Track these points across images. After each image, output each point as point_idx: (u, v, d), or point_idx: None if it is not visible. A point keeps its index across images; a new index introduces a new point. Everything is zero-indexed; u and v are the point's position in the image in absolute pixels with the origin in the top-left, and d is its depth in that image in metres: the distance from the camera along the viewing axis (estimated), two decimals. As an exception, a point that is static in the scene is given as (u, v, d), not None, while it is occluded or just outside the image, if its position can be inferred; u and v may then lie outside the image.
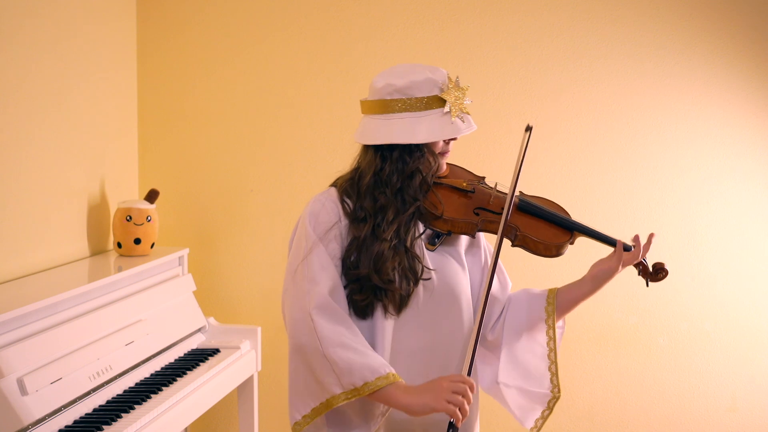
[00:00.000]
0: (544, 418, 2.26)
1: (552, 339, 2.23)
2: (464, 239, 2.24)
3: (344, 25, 3.80)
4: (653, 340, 3.78)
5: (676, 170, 3.74)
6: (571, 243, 2.23)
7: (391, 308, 2.09)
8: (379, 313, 2.09)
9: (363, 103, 2.18)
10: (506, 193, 2.22)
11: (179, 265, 3.63)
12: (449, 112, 2.10)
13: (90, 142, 3.50)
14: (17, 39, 3.05)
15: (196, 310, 3.53)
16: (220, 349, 3.40)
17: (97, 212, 3.55)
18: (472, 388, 1.99)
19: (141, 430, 2.65)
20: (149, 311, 3.21)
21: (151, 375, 3.05)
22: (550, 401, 2.25)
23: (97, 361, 2.82)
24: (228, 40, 3.87)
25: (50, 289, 2.85)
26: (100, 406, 2.74)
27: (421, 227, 2.16)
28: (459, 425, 1.98)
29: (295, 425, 2.08)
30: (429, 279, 2.11)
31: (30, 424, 2.46)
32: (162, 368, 3.14)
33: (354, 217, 2.11)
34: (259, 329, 3.56)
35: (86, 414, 2.67)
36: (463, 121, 2.12)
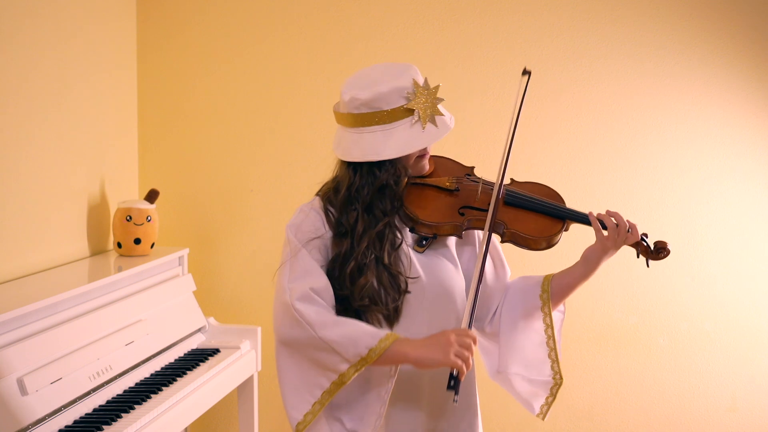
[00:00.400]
0: (548, 404, 2.25)
1: (549, 326, 2.21)
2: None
3: (344, 25, 3.80)
4: (653, 340, 3.78)
5: (676, 170, 3.74)
6: (566, 230, 2.20)
7: (377, 325, 2.07)
8: None
9: (335, 113, 2.15)
10: (493, 185, 2.18)
11: (179, 265, 3.63)
12: (418, 120, 2.07)
13: (90, 142, 3.50)
14: (17, 39, 3.05)
15: (196, 310, 3.53)
16: (220, 349, 3.40)
17: (97, 212, 3.55)
18: (475, 341, 1.99)
19: (141, 430, 2.65)
20: (149, 311, 3.21)
21: (151, 375, 3.05)
22: (552, 388, 2.24)
23: (97, 361, 2.82)
24: (228, 40, 3.87)
25: (50, 289, 2.85)
26: (100, 406, 2.74)
27: (403, 236, 2.13)
28: (462, 378, 1.97)
29: (298, 425, 2.05)
30: (410, 293, 2.09)
31: (30, 424, 2.46)
32: (162, 368, 3.14)
33: (337, 231, 2.09)
34: (259, 329, 3.56)
35: (86, 414, 2.67)
36: (436, 124, 2.08)
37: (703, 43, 3.69)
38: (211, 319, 3.60)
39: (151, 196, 3.58)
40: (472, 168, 2.27)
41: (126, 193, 3.81)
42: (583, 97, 3.74)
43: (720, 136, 3.72)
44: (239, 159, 3.89)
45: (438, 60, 3.73)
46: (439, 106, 2.09)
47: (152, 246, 3.56)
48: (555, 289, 2.22)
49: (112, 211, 3.63)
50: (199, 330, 3.52)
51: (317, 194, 2.18)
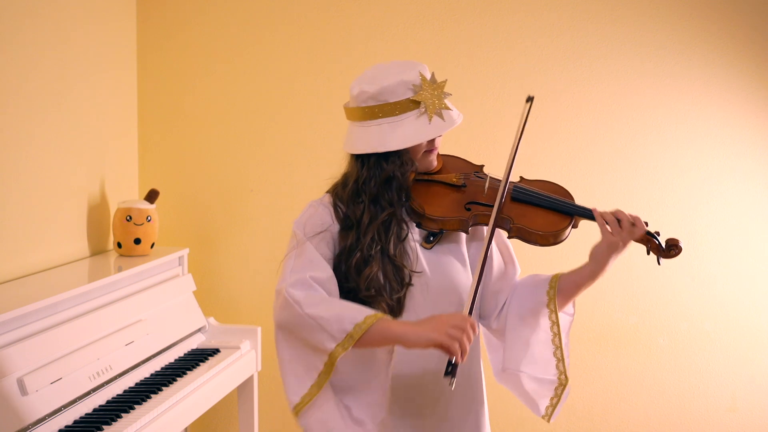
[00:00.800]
0: (553, 405, 2.23)
1: (555, 324, 2.20)
2: (464, 233, 2.22)
3: (344, 25, 3.80)
4: (653, 340, 3.78)
5: (676, 170, 3.74)
6: (574, 227, 2.19)
7: None
8: None
9: (345, 109, 2.18)
10: (501, 181, 2.18)
11: (179, 265, 3.63)
12: (425, 112, 2.08)
13: (90, 142, 3.50)
14: (17, 39, 3.05)
15: (196, 310, 3.53)
16: (220, 349, 3.40)
17: (97, 212, 3.55)
18: (473, 327, 1.96)
19: (141, 430, 2.65)
20: (149, 311, 3.21)
21: (151, 375, 3.05)
22: (557, 388, 2.22)
23: (97, 361, 2.82)
24: (228, 40, 3.87)
25: (50, 289, 2.85)
26: (100, 406, 2.75)
27: (409, 228, 2.14)
28: (459, 361, 1.93)
29: (296, 407, 2.03)
30: (413, 285, 2.09)
31: (30, 424, 2.46)
32: (162, 368, 3.14)
33: (344, 225, 2.10)
34: (259, 329, 3.56)
35: (86, 414, 2.67)
36: (443, 118, 2.09)
37: (703, 43, 3.69)
38: (211, 319, 3.60)
39: (151, 196, 3.59)
40: (482, 166, 2.28)
41: (126, 193, 3.81)
42: (583, 97, 3.74)
43: (720, 136, 3.72)
44: (239, 159, 3.89)
45: (438, 60, 3.73)
46: (447, 101, 2.11)
47: (152, 246, 3.56)
48: (563, 287, 2.21)
49: (112, 211, 3.63)
50: (199, 330, 3.52)
51: (327, 191, 2.19)
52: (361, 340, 1.95)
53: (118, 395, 2.84)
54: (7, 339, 2.55)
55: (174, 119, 3.92)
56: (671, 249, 2.17)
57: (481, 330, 2.31)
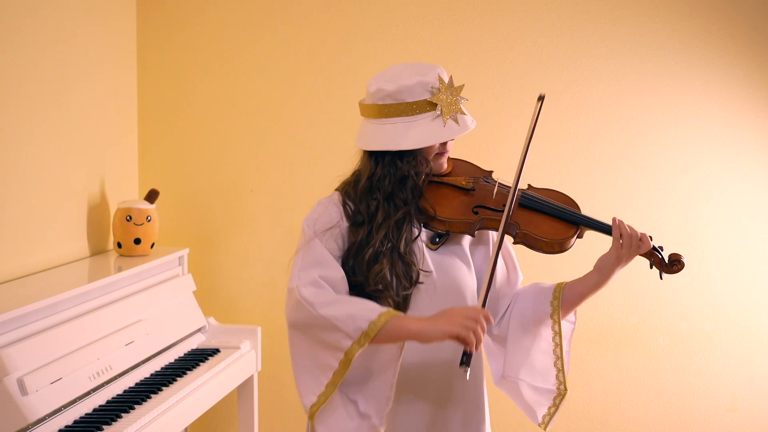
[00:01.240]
0: (550, 414, 2.24)
1: (558, 334, 2.21)
2: (469, 236, 2.23)
3: (344, 25, 3.80)
4: (653, 340, 3.78)
5: (676, 170, 3.74)
6: (579, 237, 2.20)
7: None
8: None
9: (360, 106, 2.19)
10: (509, 187, 2.20)
11: (179, 265, 3.63)
12: (441, 115, 2.10)
13: (90, 142, 3.50)
14: (17, 39, 3.05)
15: (196, 310, 3.53)
16: (220, 349, 3.40)
17: (97, 212, 3.55)
18: (487, 318, 1.97)
19: (141, 430, 2.65)
20: (149, 311, 3.21)
21: (151, 375, 3.05)
22: (555, 398, 2.23)
23: (97, 361, 2.82)
24: (228, 39, 3.87)
25: (50, 289, 2.85)
26: (100, 406, 2.75)
27: (420, 228, 2.15)
28: (475, 350, 1.95)
29: (312, 407, 2.03)
30: (423, 283, 2.10)
31: (30, 424, 2.46)
32: (162, 368, 3.14)
33: (353, 221, 2.11)
34: (259, 329, 3.56)
35: (86, 414, 2.67)
36: (458, 122, 2.11)
37: (703, 43, 3.69)
38: (211, 319, 3.60)
39: (151, 196, 3.59)
40: (491, 172, 2.29)
41: (126, 193, 3.81)
42: (583, 97, 3.74)
43: (720, 136, 3.72)
44: (239, 159, 3.89)
45: (438, 60, 3.73)
46: (462, 106, 2.12)
47: (152, 246, 3.56)
48: (566, 297, 2.22)
49: (112, 211, 3.63)
50: (199, 330, 3.52)
51: (336, 189, 2.19)
52: (377, 337, 1.96)
53: (118, 395, 2.84)
54: (7, 339, 2.55)
55: (174, 119, 3.92)
56: (674, 264, 2.20)
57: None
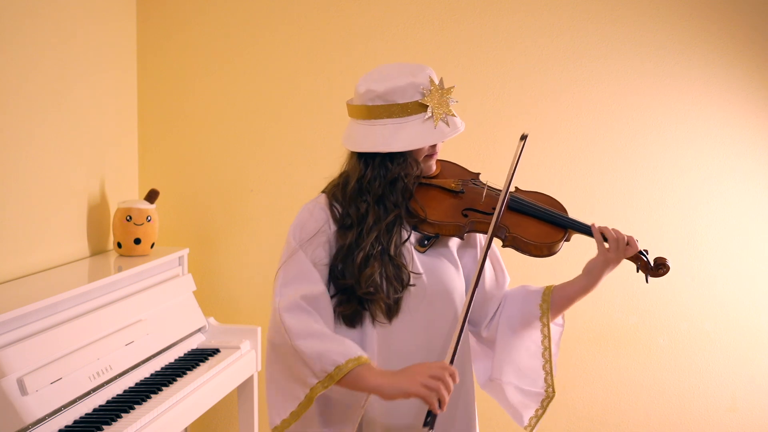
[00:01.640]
0: (537, 417, 2.24)
1: (547, 337, 2.21)
2: (457, 239, 2.22)
3: (344, 25, 3.80)
4: (653, 340, 3.78)
5: (676, 170, 3.74)
6: (567, 240, 2.20)
7: (380, 317, 2.07)
8: (367, 321, 2.08)
9: (348, 106, 2.16)
10: (499, 190, 2.19)
11: (179, 265, 3.63)
12: (431, 117, 2.08)
13: (90, 142, 3.50)
14: (17, 39, 3.05)
15: (196, 310, 3.53)
16: (220, 349, 3.40)
17: (97, 212, 3.55)
18: (453, 376, 1.94)
19: (141, 430, 2.65)
20: (149, 311, 3.21)
21: (151, 375, 3.05)
22: (543, 401, 2.23)
23: (97, 361, 2.82)
24: (228, 40, 3.87)
25: (50, 289, 2.85)
26: (100, 406, 2.75)
27: (409, 231, 2.14)
28: (437, 412, 1.92)
29: (274, 429, 2.05)
30: (414, 285, 2.09)
31: (30, 424, 2.46)
32: (162, 368, 3.14)
33: (341, 224, 2.10)
34: (259, 329, 3.56)
35: (86, 414, 2.67)
36: (448, 124, 2.09)
37: (703, 43, 3.69)
38: (211, 319, 3.60)
39: (151, 196, 3.59)
40: (478, 174, 2.28)
41: (126, 193, 3.81)
42: (583, 97, 3.74)
43: (720, 136, 3.72)
44: (239, 159, 3.89)
45: (438, 60, 3.73)
46: (452, 108, 2.11)
47: (152, 246, 3.56)
48: (555, 300, 2.22)
49: (112, 211, 3.63)
50: (199, 330, 3.52)
51: (323, 191, 2.18)
52: (341, 381, 1.95)
53: (118, 395, 2.84)
54: (7, 339, 2.55)
55: (174, 119, 3.92)
56: (659, 268, 2.20)
57: (470, 339, 2.30)
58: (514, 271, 2.40)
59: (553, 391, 2.22)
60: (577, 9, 3.72)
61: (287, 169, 3.87)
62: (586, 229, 2.20)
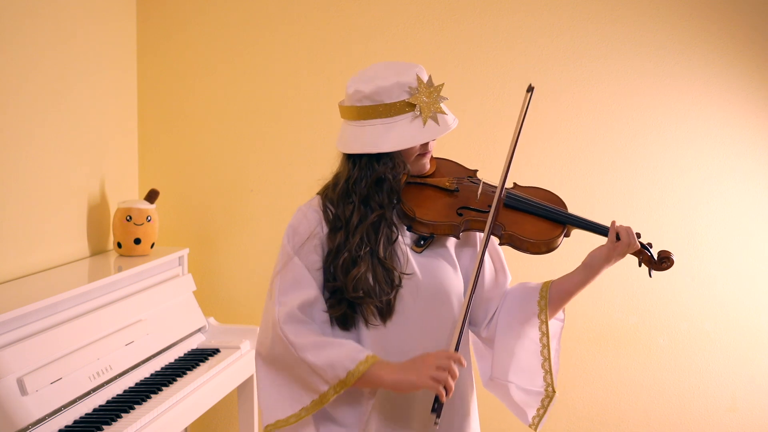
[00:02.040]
0: (539, 416, 2.23)
1: (545, 335, 2.19)
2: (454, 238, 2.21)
3: (344, 25, 3.80)
4: (653, 340, 3.78)
5: (676, 170, 3.74)
6: (567, 236, 2.18)
7: (372, 319, 2.07)
8: (361, 323, 2.08)
9: (339, 107, 2.16)
10: (495, 187, 2.17)
11: (179, 265, 3.63)
12: (420, 115, 2.06)
13: (90, 142, 3.50)
14: (17, 39, 3.05)
15: (196, 310, 3.54)
16: (220, 349, 3.40)
17: (97, 212, 3.55)
18: (460, 362, 1.97)
19: (141, 430, 2.65)
20: (149, 311, 3.21)
21: (151, 375, 3.05)
22: (543, 400, 2.21)
23: (97, 361, 2.82)
24: (228, 39, 3.87)
25: (50, 289, 2.85)
26: (100, 406, 2.75)
27: (398, 231, 2.13)
28: (443, 400, 1.96)
29: (267, 427, 2.08)
30: (402, 287, 2.08)
31: (30, 424, 2.46)
32: (162, 368, 3.14)
33: (332, 226, 2.09)
34: (258, 329, 3.56)
35: (86, 414, 2.67)
36: (438, 122, 2.07)
37: (703, 43, 3.69)
38: (211, 319, 3.60)
39: (151, 196, 3.59)
40: (475, 171, 2.26)
41: (126, 193, 3.81)
42: (583, 97, 3.74)
43: (720, 136, 3.72)
44: (239, 159, 3.90)
45: (438, 60, 3.73)
46: (442, 105, 2.09)
47: (152, 246, 3.56)
48: (554, 295, 2.21)
49: (112, 211, 3.63)
50: (199, 330, 3.52)
51: (318, 193, 2.17)
52: (354, 385, 2.00)
53: (118, 395, 2.84)
54: (7, 339, 2.55)
55: (174, 119, 3.92)
56: (663, 261, 2.18)
57: (471, 338, 2.30)
58: (514, 267, 2.39)
59: (553, 391, 2.21)
60: (577, 9, 3.72)
61: (287, 169, 3.87)
62: (587, 224, 2.18)
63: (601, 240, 2.18)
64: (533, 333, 2.20)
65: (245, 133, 3.89)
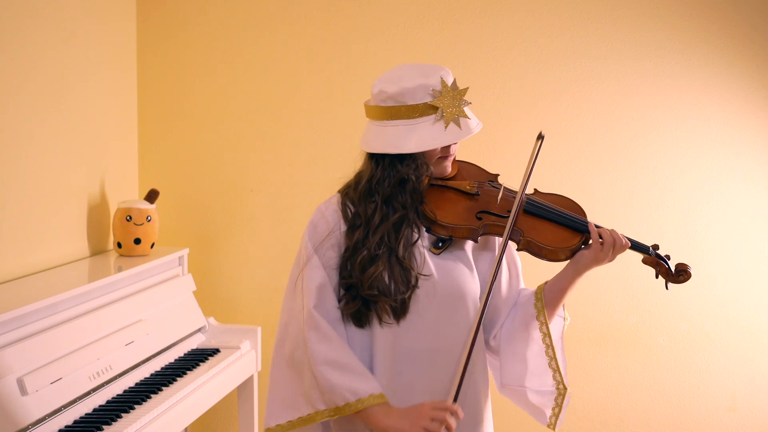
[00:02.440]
0: (555, 414, 2.25)
1: (547, 335, 2.21)
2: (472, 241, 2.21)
3: (344, 25, 3.80)
4: (653, 340, 3.78)
5: (676, 170, 3.74)
6: (585, 245, 2.18)
7: (386, 317, 2.08)
8: (375, 321, 2.09)
9: (365, 107, 2.18)
10: (515, 193, 2.17)
11: (179, 265, 3.63)
12: (442, 118, 2.08)
13: (90, 142, 3.50)
14: (17, 39, 3.05)
15: (196, 310, 3.53)
16: (220, 349, 3.40)
17: (97, 212, 3.55)
18: (456, 414, 2.01)
19: (141, 430, 2.65)
20: (149, 311, 3.21)
21: (151, 375, 3.05)
22: (557, 398, 2.24)
23: (97, 361, 2.82)
24: (228, 40, 3.87)
25: (50, 289, 2.85)
26: (100, 406, 2.75)
27: (421, 232, 2.14)
28: None
29: (267, 430, 2.11)
30: (418, 288, 2.09)
31: (30, 424, 2.46)
32: (162, 368, 3.14)
33: (351, 224, 2.11)
34: (259, 329, 3.56)
35: (86, 414, 2.67)
36: (460, 126, 2.08)
37: (703, 43, 3.69)
38: (211, 319, 3.60)
39: (151, 196, 3.59)
40: (497, 176, 2.26)
41: (126, 193, 3.81)
42: (583, 97, 3.74)
43: (720, 136, 3.72)
44: (239, 159, 3.89)
45: (438, 60, 3.73)
46: (466, 109, 2.10)
47: (152, 246, 3.56)
48: (548, 296, 2.22)
49: (112, 211, 3.63)
50: (199, 330, 3.52)
51: (338, 191, 2.19)
52: (349, 415, 2.03)
53: (118, 395, 2.84)
54: (7, 339, 2.55)
55: (174, 119, 3.92)
56: (680, 274, 2.20)
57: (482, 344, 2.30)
58: (528, 270, 2.39)
59: (565, 387, 2.23)
60: (577, 9, 3.72)
61: (287, 169, 3.86)
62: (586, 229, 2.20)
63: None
64: (535, 335, 2.22)
65: (245, 133, 3.89)
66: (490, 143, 3.74)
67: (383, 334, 2.09)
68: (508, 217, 2.13)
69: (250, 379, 3.51)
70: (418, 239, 2.12)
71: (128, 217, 3.49)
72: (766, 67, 3.68)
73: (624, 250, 2.16)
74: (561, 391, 2.23)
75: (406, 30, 3.78)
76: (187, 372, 3.11)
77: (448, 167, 2.19)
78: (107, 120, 3.65)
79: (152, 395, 2.86)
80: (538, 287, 2.24)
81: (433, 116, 2.08)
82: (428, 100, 2.08)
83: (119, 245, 3.51)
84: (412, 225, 2.12)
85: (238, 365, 3.36)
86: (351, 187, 2.15)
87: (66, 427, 2.58)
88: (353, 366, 2.05)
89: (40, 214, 3.18)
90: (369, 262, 2.07)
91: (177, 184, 3.92)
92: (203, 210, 3.92)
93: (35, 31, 3.14)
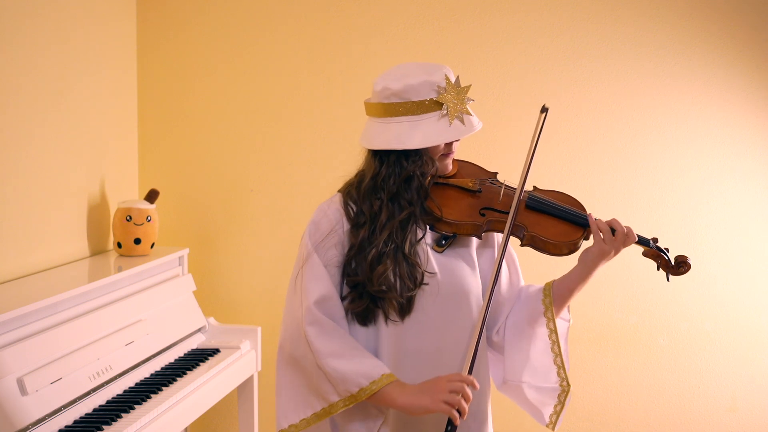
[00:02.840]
0: (557, 413, 2.26)
1: (553, 332, 2.22)
2: (475, 239, 2.22)
3: (344, 25, 3.80)
4: (653, 340, 3.78)
5: (676, 170, 3.74)
6: (586, 239, 2.20)
7: (392, 314, 2.08)
8: (380, 319, 2.09)
9: (366, 104, 2.18)
10: (515, 189, 2.19)
11: (179, 265, 3.63)
12: (446, 115, 2.09)
13: (90, 142, 3.50)
14: (17, 39, 3.05)
15: (196, 310, 3.53)
16: (220, 349, 3.40)
17: (97, 212, 3.55)
18: (472, 385, 2.00)
19: (141, 430, 2.65)
20: (149, 311, 3.21)
21: (151, 375, 3.05)
22: (560, 395, 2.25)
23: (97, 361, 2.82)
24: (228, 40, 3.87)
25: (50, 289, 2.85)
26: (100, 406, 2.75)
27: (426, 230, 2.15)
28: (457, 423, 1.98)
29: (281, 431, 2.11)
30: (427, 284, 2.10)
31: (30, 424, 2.46)
32: (162, 368, 3.14)
33: (354, 223, 2.11)
34: (259, 329, 3.56)
35: (86, 414, 2.67)
36: (464, 123, 2.09)
37: (703, 43, 3.69)
38: (211, 319, 3.60)
39: (151, 196, 3.59)
40: (495, 173, 2.28)
41: (126, 193, 3.81)
42: (583, 97, 3.74)
43: (720, 136, 3.72)
44: (239, 159, 3.89)
45: (438, 60, 3.73)
46: (468, 107, 2.11)
47: (152, 246, 3.56)
48: (556, 294, 2.23)
49: (112, 211, 3.63)
50: (199, 330, 3.52)
51: (339, 191, 2.19)
52: (366, 401, 2.03)
53: (118, 395, 2.84)
54: (7, 339, 2.55)
55: (174, 119, 3.92)
56: (680, 266, 2.21)
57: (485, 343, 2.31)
58: (529, 268, 2.39)
59: (568, 385, 2.24)
60: (577, 9, 3.72)
61: (287, 169, 3.86)
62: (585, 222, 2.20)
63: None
64: (542, 331, 2.23)
65: (245, 133, 3.89)
66: (490, 143, 3.74)
67: (388, 332, 2.09)
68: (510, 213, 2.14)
69: (250, 379, 3.51)
70: (422, 237, 2.13)
71: (128, 217, 3.49)
72: (766, 67, 3.69)
73: (628, 240, 2.15)
74: (565, 388, 2.24)
75: (406, 30, 3.78)
76: (187, 372, 3.11)
77: (450, 165, 2.20)
78: (107, 120, 3.65)
79: (152, 395, 2.86)
80: (547, 284, 2.25)
81: (438, 112, 2.09)
82: (433, 96, 2.08)
83: (119, 245, 3.51)
84: (419, 222, 2.13)
85: (238, 365, 3.36)
86: (353, 185, 2.15)
87: (66, 427, 2.58)
88: (359, 352, 2.05)
89: (40, 214, 3.18)
90: (377, 260, 2.07)
91: (177, 184, 3.92)
92: (203, 210, 3.92)
93: (35, 31, 3.14)
